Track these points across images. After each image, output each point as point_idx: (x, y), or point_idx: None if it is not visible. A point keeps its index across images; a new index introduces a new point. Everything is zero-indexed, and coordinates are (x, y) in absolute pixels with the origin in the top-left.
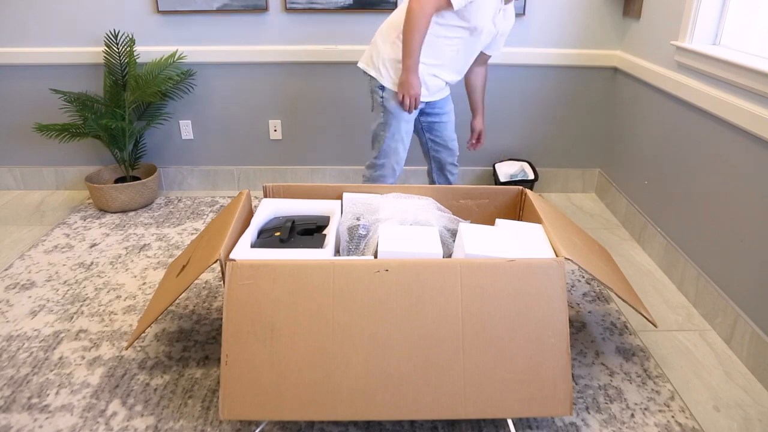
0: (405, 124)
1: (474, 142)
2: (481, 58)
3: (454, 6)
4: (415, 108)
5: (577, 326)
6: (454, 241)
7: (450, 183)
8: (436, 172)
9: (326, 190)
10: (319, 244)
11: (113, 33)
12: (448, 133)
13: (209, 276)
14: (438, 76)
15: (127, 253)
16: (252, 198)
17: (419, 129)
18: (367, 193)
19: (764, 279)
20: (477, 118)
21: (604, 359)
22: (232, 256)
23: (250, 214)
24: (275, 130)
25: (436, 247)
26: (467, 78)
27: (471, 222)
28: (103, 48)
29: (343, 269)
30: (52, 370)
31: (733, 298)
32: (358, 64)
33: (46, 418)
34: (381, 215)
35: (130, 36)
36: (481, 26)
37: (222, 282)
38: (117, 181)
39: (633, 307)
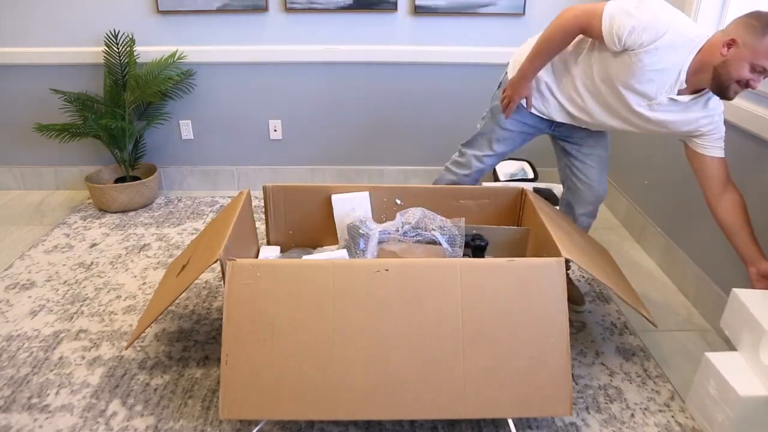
0: (500, 128)
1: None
2: (711, 171)
3: (605, 38)
4: (514, 113)
5: (577, 326)
6: (451, 246)
7: (578, 224)
8: (566, 207)
9: (326, 190)
10: None
11: (113, 33)
12: (587, 171)
13: (209, 276)
14: (555, 97)
15: (127, 253)
16: (252, 198)
17: (556, 146)
18: (355, 192)
19: None
20: (754, 262)
21: (604, 359)
22: None
23: (251, 214)
24: (275, 130)
25: None
26: (714, 213)
27: (469, 224)
28: (103, 48)
29: (343, 269)
30: (52, 370)
31: None
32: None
33: (46, 418)
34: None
35: (130, 36)
36: (624, 88)
37: (222, 282)
38: (117, 181)
39: (633, 307)
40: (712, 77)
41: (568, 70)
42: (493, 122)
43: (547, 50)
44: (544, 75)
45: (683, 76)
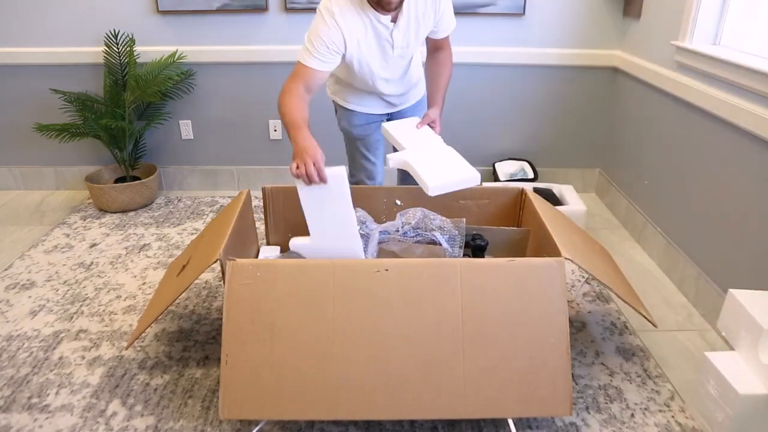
0: (356, 140)
1: (423, 124)
2: (435, 44)
3: (313, 67)
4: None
5: (577, 326)
6: (451, 246)
7: None
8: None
9: None
10: None
11: (113, 33)
12: None
13: (209, 276)
14: (355, 98)
15: (127, 253)
16: (252, 198)
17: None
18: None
19: (765, 279)
20: (432, 108)
21: (604, 359)
22: None
23: (251, 214)
24: (275, 130)
25: (471, 169)
26: (426, 64)
27: (469, 224)
28: (103, 48)
29: (343, 269)
30: (52, 370)
31: None
32: None
33: (46, 418)
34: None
35: (130, 36)
36: (373, 67)
37: (222, 282)
38: (117, 181)
39: (633, 307)
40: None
41: (340, 84)
42: (348, 142)
43: (281, 110)
44: (336, 94)
45: (378, 15)
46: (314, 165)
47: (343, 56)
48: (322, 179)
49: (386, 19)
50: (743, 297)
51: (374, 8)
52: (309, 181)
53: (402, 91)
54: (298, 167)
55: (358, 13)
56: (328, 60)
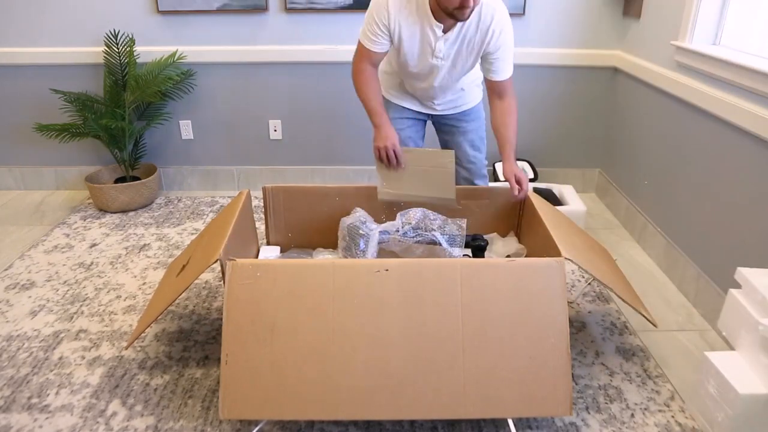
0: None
1: (516, 193)
2: (494, 88)
3: (370, 49)
4: (396, 159)
5: (577, 326)
6: (451, 246)
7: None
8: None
9: (326, 190)
10: None
11: (113, 33)
12: (461, 153)
13: (209, 276)
14: (405, 88)
15: (127, 253)
16: (252, 198)
17: (439, 138)
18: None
19: None
20: (504, 164)
21: (604, 359)
22: None
23: (251, 214)
24: (275, 130)
25: None
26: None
27: (469, 224)
28: (103, 48)
29: (343, 269)
30: (52, 370)
31: None
32: None
33: (46, 418)
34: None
35: (130, 36)
36: (410, 61)
37: (222, 282)
38: (117, 181)
39: (633, 307)
40: (440, 8)
41: (386, 76)
42: None
43: (362, 95)
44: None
45: (432, 21)
46: (394, 151)
47: (391, 40)
48: (399, 164)
49: (439, 28)
50: (744, 297)
51: (436, 17)
52: (389, 164)
53: (439, 95)
54: (380, 151)
55: (412, 13)
56: (381, 41)
